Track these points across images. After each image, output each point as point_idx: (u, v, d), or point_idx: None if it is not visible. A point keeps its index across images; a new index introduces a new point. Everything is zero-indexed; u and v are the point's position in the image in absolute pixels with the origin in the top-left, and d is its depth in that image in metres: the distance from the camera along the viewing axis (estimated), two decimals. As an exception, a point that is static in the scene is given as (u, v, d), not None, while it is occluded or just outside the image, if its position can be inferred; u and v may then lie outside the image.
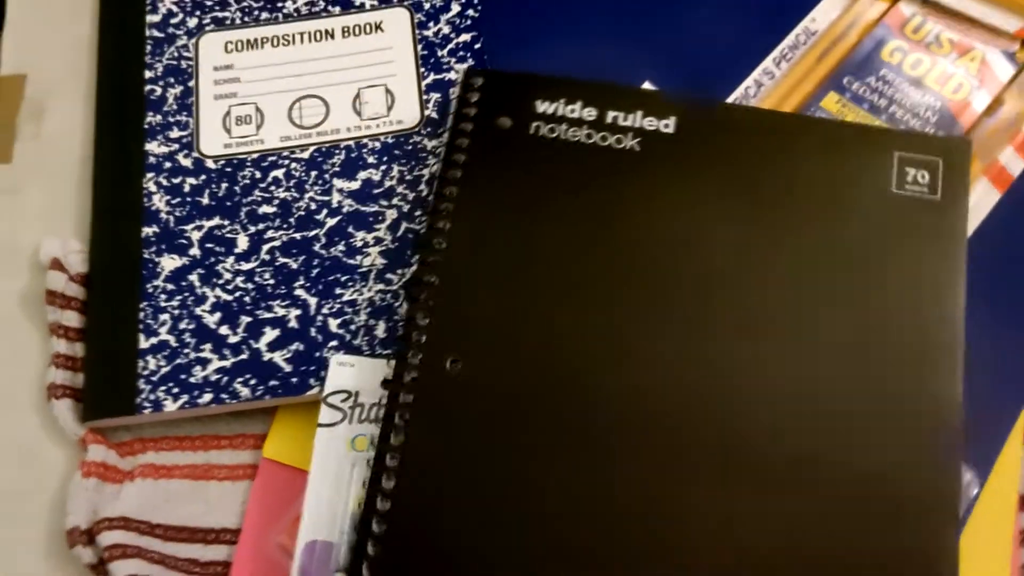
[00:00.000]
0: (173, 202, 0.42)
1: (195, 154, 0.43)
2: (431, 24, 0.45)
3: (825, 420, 0.33)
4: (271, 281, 0.40)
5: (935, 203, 0.36)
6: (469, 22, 0.45)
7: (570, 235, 0.36)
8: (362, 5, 0.45)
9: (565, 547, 0.32)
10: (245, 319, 0.40)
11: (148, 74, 0.45)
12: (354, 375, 0.37)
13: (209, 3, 0.46)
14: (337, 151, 0.43)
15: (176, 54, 0.45)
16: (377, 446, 0.34)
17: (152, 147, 0.43)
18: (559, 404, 0.34)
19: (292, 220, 0.41)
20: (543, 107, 0.38)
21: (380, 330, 0.39)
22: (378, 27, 0.45)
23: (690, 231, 0.36)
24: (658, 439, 0.33)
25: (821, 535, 0.32)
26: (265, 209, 0.42)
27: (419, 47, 0.44)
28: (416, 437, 0.34)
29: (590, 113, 0.38)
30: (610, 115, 0.38)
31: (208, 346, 0.39)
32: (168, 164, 0.43)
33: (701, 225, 0.36)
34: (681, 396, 0.34)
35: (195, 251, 0.41)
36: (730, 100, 0.42)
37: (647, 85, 0.42)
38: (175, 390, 0.39)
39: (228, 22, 0.46)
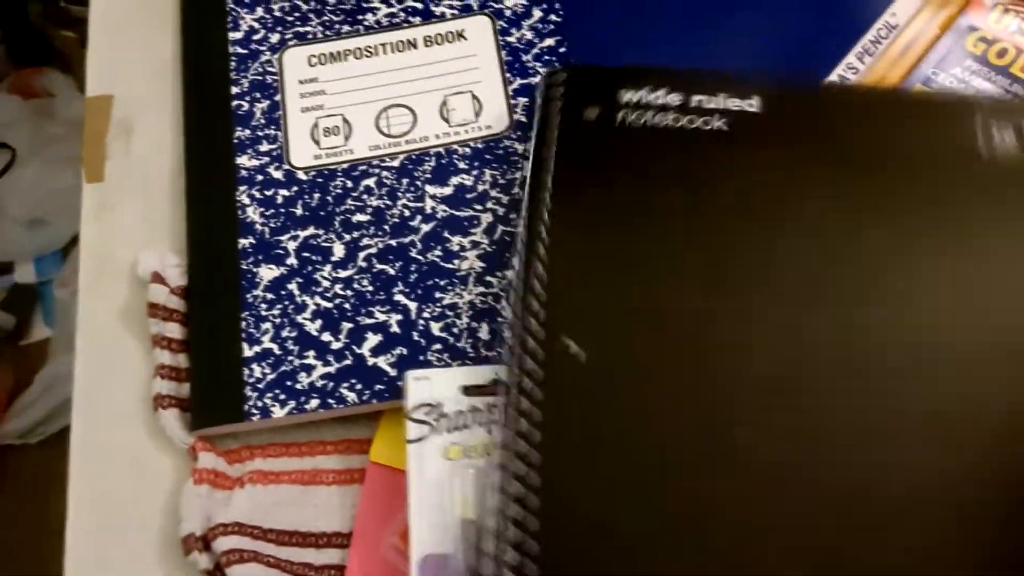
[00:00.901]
0: (267, 213, 0.43)
1: (286, 166, 0.44)
2: (513, 30, 0.45)
3: (958, 369, 0.34)
4: (370, 288, 0.41)
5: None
6: (552, 27, 0.45)
7: (671, 215, 0.37)
8: (443, 15, 0.46)
9: (725, 531, 0.32)
10: (347, 325, 0.40)
11: (234, 90, 0.45)
12: (432, 387, 0.37)
13: (290, 19, 0.47)
14: (427, 158, 0.43)
15: (260, 69, 0.46)
16: (504, 456, 0.34)
17: (243, 161, 0.44)
18: (694, 386, 0.34)
19: (387, 227, 0.42)
20: (628, 96, 0.39)
21: (483, 332, 0.39)
22: (460, 35, 0.46)
23: (789, 202, 0.37)
24: (802, 406, 0.34)
25: (967, 483, 0.33)
26: (359, 217, 0.42)
27: (503, 53, 0.45)
28: (552, 437, 0.34)
29: (675, 98, 0.39)
30: (695, 99, 0.39)
31: (312, 353, 0.40)
32: (260, 177, 0.44)
33: (800, 196, 0.37)
34: (814, 366, 0.34)
35: (292, 260, 0.42)
36: (814, 95, 0.43)
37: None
38: (282, 397, 0.39)
39: (310, 36, 0.46)
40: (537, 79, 0.44)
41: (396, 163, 0.43)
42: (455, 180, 0.43)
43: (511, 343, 0.36)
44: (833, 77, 0.43)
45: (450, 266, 0.41)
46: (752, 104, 0.38)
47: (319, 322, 0.41)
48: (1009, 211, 0.36)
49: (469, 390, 0.37)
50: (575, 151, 0.38)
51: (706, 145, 0.38)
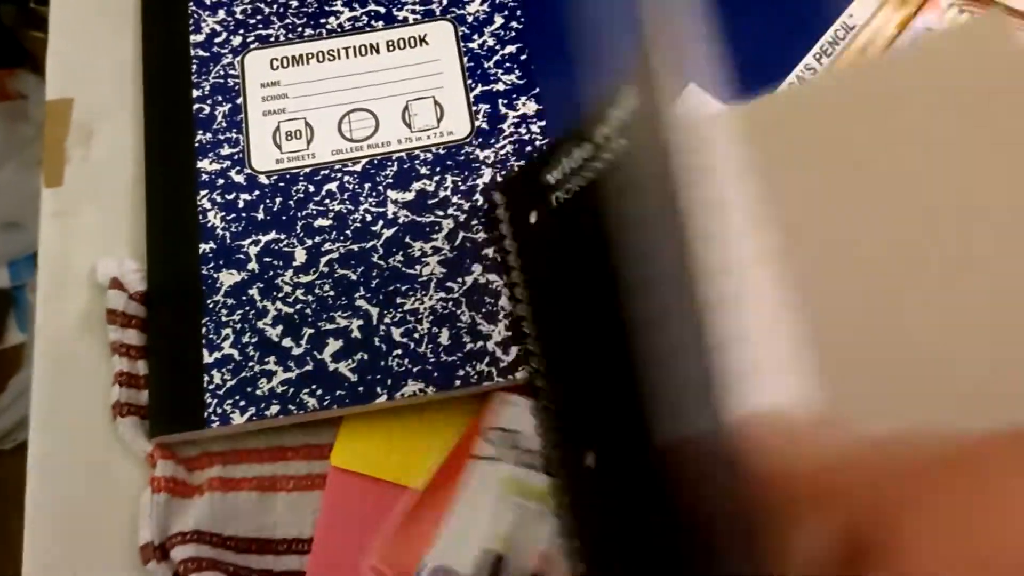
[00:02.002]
0: (228, 218, 0.43)
1: (247, 170, 0.43)
2: (475, 36, 0.45)
3: None
4: (331, 293, 0.41)
5: None
6: (514, 33, 0.45)
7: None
8: (405, 19, 0.46)
9: None
10: (308, 331, 0.40)
11: (196, 93, 0.45)
12: (517, 415, 0.37)
13: (252, 21, 0.47)
14: (389, 163, 0.43)
15: (222, 72, 0.46)
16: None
17: (204, 165, 0.44)
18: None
19: (348, 232, 0.42)
20: (550, 177, 0.36)
21: (444, 337, 0.39)
22: (423, 40, 0.46)
23: None
24: None
25: None
26: (321, 222, 0.42)
27: (465, 59, 0.45)
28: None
29: (586, 151, 0.35)
30: (598, 136, 0.35)
31: (272, 358, 0.40)
32: (221, 181, 0.43)
33: None
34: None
35: (253, 265, 0.42)
36: (774, 99, 0.43)
37: (692, 86, 0.43)
38: (242, 403, 0.39)
39: (272, 39, 0.46)
40: (499, 86, 0.44)
41: (358, 168, 0.43)
42: (417, 185, 0.43)
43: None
44: (791, 78, 0.44)
45: (411, 271, 0.41)
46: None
47: (280, 327, 0.40)
48: None
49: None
50: (538, 263, 0.36)
51: (634, 169, 0.34)
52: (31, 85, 1.25)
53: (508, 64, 0.45)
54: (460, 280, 0.41)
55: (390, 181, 0.43)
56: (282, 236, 0.42)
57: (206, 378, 0.40)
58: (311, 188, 0.43)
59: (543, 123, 0.43)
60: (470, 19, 0.46)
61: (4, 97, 1.24)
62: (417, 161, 0.43)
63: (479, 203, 0.42)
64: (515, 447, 0.36)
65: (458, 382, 0.39)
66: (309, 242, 0.42)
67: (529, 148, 0.43)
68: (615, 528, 0.31)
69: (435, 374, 0.39)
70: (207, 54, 0.46)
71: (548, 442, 0.33)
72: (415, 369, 0.39)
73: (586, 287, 0.34)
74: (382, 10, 0.46)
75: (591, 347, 0.33)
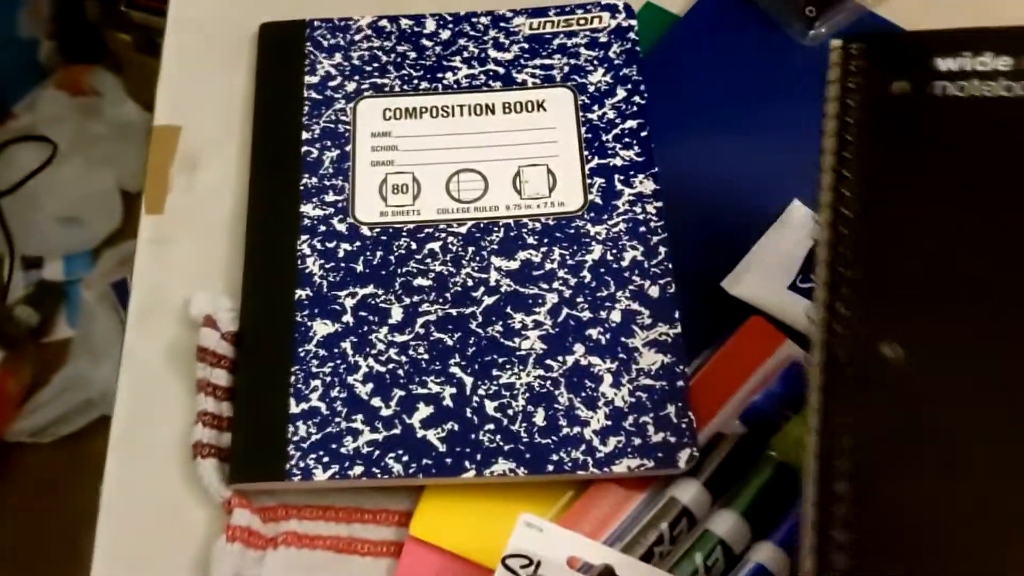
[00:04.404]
0: (327, 266, 0.42)
1: (350, 220, 0.43)
2: (595, 107, 0.45)
3: None
4: (425, 356, 0.40)
5: None
6: (635, 108, 0.45)
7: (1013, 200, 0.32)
8: (524, 82, 0.46)
9: None
10: (398, 392, 0.39)
11: (305, 135, 0.45)
12: (540, 541, 0.35)
13: (368, 68, 0.47)
14: (496, 228, 0.42)
15: (333, 117, 0.45)
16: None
17: (307, 209, 0.43)
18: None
19: (448, 295, 0.41)
20: (945, 64, 0.34)
21: (539, 417, 0.38)
22: (540, 106, 0.45)
23: None
24: None
25: None
26: (420, 281, 0.42)
27: (583, 129, 0.44)
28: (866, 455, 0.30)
29: (1004, 63, 0.33)
30: None
31: (360, 417, 0.39)
32: (323, 228, 0.43)
33: None
34: None
35: (348, 318, 0.41)
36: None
37: (796, 202, 0.42)
38: (325, 459, 0.38)
39: (387, 89, 0.46)
40: (616, 160, 0.43)
41: (463, 229, 0.43)
42: (522, 255, 0.42)
43: (818, 354, 0.31)
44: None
45: (510, 344, 0.40)
46: None
47: (370, 385, 0.40)
48: None
49: (581, 567, 0.34)
50: (885, 133, 0.33)
51: None
52: (107, 83, 1.27)
53: (627, 139, 0.44)
54: (561, 359, 0.40)
55: (495, 247, 0.42)
56: (380, 291, 0.42)
57: (291, 429, 0.39)
58: (413, 245, 0.42)
59: (659, 203, 0.43)
60: (591, 88, 0.45)
61: (80, 92, 1.26)
62: (525, 229, 0.42)
63: (587, 280, 0.41)
64: None
65: (551, 467, 0.37)
66: (407, 300, 0.41)
67: (643, 228, 0.42)
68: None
69: (527, 455, 0.38)
70: (320, 97, 0.46)
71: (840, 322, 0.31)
72: (506, 447, 0.38)
73: (946, 194, 0.32)
74: (501, 70, 0.46)
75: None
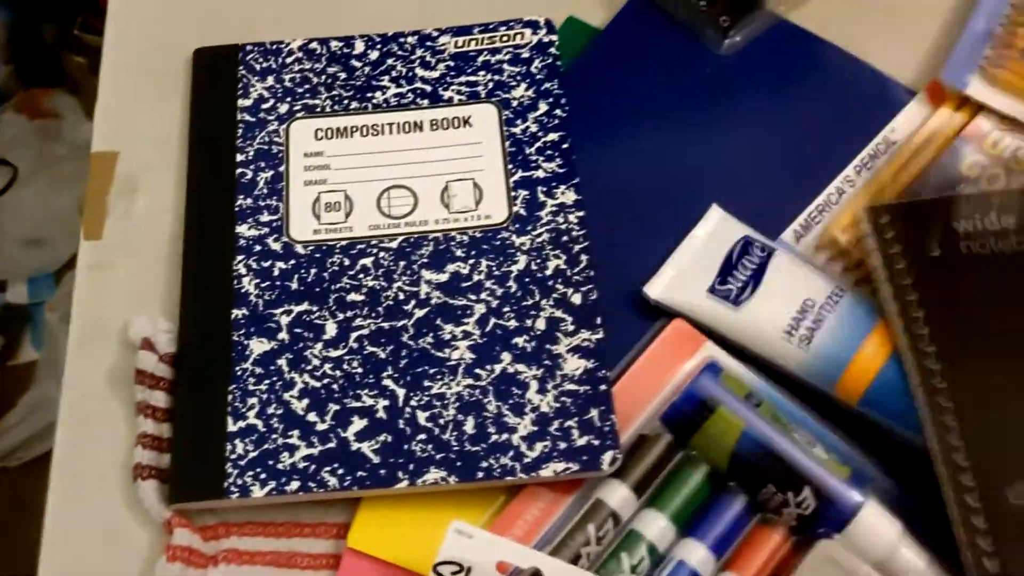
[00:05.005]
0: (263, 285, 0.43)
1: (285, 238, 0.44)
2: (519, 122, 0.46)
3: None
4: (359, 369, 0.41)
5: None
6: (557, 121, 0.46)
7: None
8: (450, 99, 0.47)
9: None
10: (333, 407, 0.40)
11: (240, 157, 0.46)
12: (470, 547, 0.35)
13: (300, 90, 0.47)
14: (425, 242, 0.44)
15: (267, 138, 0.46)
16: None
17: (243, 230, 0.44)
18: None
19: (380, 309, 0.42)
20: (964, 226, 0.39)
21: (469, 426, 0.39)
22: (466, 122, 0.46)
23: None
24: None
25: None
26: (353, 297, 0.43)
27: (507, 144, 0.46)
28: None
29: (1007, 221, 0.38)
30: None
31: (296, 432, 0.40)
32: (258, 247, 0.44)
33: None
34: None
35: (284, 335, 0.42)
36: (812, 207, 0.43)
37: (715, 207, 0.43)
38: (262, 476, 0.39)
39: (319, 109, 0.47)
40: (539, 173, 0.44)
41: (394, 244, 0.44)
42: (451, 267, 0.43)
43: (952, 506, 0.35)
44: (831, 189, 0.44)
45: (440, 354, 0.41)
46: None
47: (306, 401, 0.41)
48: None
49: (511, 572, 0.35)
50: (939, 287, 0.38)
51: None
52: (66, 106, 1.27)
53: (549, 151, 0.45)
54: (489, 368, 0.41)
55: (425, 261, 0.43)
56: (314, 308, 0.42)
57: (228, 447, 0.40)
58: (346, 261, 0.43)
59: (581, 213, 0.44)
60: (514, 103, 0.47)
61: (38, 115, 1.26)
62: (453, 243, 0.44)
63: (512, 290, 0.42)
64: None
65: (481, 474, 0.38)
66: (341, 316, 0.42)
67: (565, 238, 0.43)
68: None
69: (458, 463, 0.39)
70: (253, 119, 0.47)
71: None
72: (438, 456, 0.39)
73: (998, 336, 0.37)
74: (429, 89, 0.47)
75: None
